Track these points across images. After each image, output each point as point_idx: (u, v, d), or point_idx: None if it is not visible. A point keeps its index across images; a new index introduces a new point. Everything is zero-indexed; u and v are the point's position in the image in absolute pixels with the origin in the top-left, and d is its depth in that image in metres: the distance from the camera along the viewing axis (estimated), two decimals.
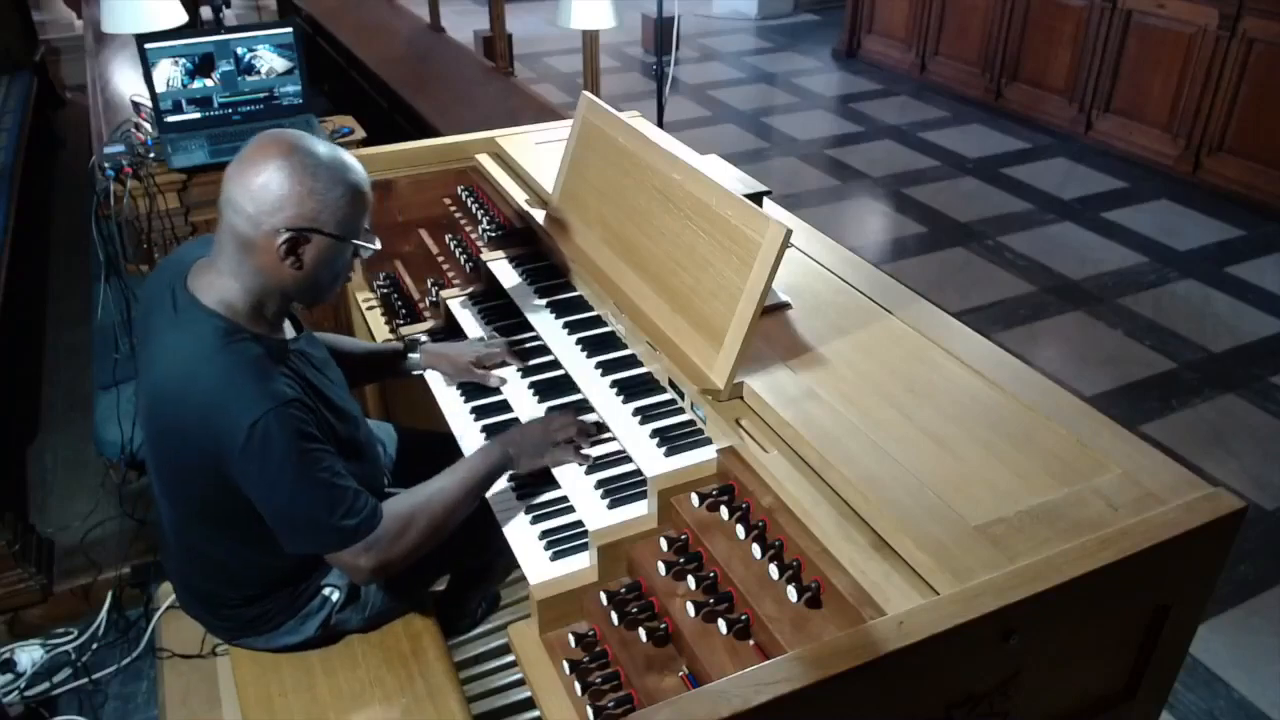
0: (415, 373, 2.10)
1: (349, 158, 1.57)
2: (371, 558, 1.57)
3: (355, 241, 1.58)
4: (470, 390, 2.04)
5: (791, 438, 1.49)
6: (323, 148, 1.53)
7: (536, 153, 2.51)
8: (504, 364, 2.03)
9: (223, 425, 1.46)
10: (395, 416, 2.57)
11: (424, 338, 2.18)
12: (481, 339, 2.11)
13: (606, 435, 1.77)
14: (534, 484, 1.78)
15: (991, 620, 1.15)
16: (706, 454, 1.60)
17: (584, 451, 1.75)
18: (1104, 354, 3.99)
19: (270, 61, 3.14)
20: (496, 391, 2.00)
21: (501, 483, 1.78)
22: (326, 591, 1.82)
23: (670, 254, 1.77)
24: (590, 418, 1.81)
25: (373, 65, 4.88)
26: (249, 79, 3.14)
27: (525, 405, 1.90)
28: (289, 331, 1.69)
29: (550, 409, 1.87)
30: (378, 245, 1.63)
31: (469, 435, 1.94)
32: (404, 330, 2.29)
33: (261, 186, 1.47)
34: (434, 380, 2.09)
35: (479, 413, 1.98)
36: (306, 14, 5.99)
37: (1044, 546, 1.25)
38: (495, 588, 2.44)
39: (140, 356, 1.63)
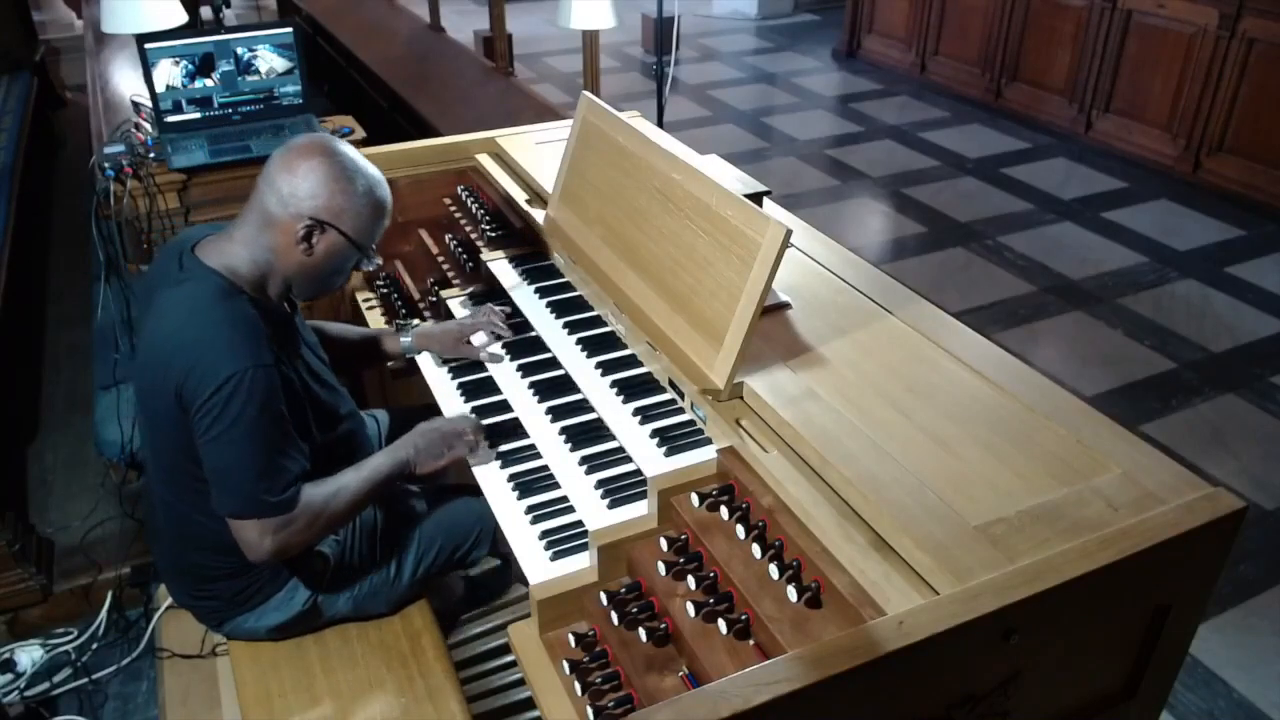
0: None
1: (382, 178, 1.72)
2: (277, 540, 1.64)
3: (363, 248, 1.71)
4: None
5: (791, 438, 1.49)
6: (365, 162, 1.70)
7: (536, 153, 2.51)
8: (496, 336, 2.07)
9: (199, 370, 1.54)
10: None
11: (416, 321, 2.22)
12: (468, 315, 2.16)
13: (606, 434, 1.77)
14: (534, 483, 1.78)
15: (991, 620, 1.15)
16: (706, 454, 1.60)
17: (480, 449, 1.83)
18: (1104, 354, 3.99)
19: (270, 61, 3.14)
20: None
21: (501, 482, 1.79)
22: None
23: (670, 254, 1.77)
24: (590, 417, 1.82)
25: (373, 65, 4.88)
26: (249, 79, 3.14)
27: (525, 405, 1.90)
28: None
29: (455, 417, 1.92)
30: (379, 262, 1.78)
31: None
32: None
33: (304, 174, 1.63)
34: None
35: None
36: (306, 14, 5.99)
37: (1044, 546, 1.25)
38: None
39: (142, 326, 1.69)
